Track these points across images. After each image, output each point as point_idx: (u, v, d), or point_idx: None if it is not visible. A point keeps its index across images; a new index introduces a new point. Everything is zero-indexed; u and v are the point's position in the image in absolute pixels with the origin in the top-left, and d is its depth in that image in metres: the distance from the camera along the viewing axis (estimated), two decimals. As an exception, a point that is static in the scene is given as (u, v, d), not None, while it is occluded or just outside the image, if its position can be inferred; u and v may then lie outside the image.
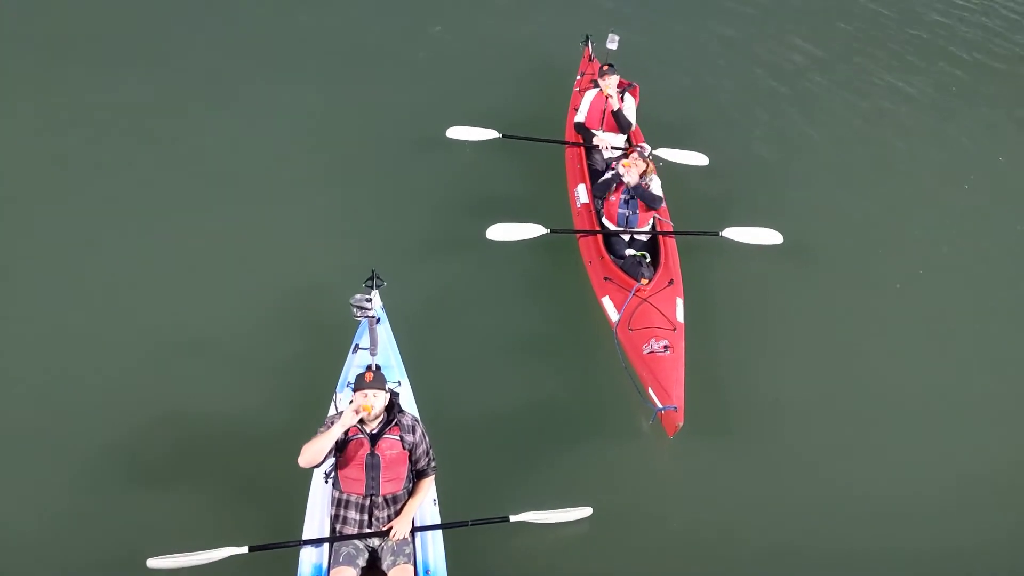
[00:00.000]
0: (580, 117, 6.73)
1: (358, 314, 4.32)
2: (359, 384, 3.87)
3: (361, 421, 3.85)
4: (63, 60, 7.74)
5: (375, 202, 6.49)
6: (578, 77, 7.48)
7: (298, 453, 3.79)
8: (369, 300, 4.32)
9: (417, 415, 4.23)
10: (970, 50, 9.25)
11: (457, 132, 6.81)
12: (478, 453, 4.75)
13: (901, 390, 5.39)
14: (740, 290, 6.02)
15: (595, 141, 6.61)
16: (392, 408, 3.95)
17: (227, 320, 5.40)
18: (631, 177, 5.85)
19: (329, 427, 3.82)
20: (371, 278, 4.50)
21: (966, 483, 4.89)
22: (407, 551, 3.84)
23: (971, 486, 4.88)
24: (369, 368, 3.95)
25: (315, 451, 3.77)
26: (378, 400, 3.86)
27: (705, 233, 6.06)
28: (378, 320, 4.48)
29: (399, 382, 4.54)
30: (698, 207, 6.52)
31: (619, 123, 6.59)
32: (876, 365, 5.57)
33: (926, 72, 8.79)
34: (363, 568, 3.82)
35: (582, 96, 6.83)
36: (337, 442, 3.81)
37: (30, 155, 6.65)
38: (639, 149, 6.06)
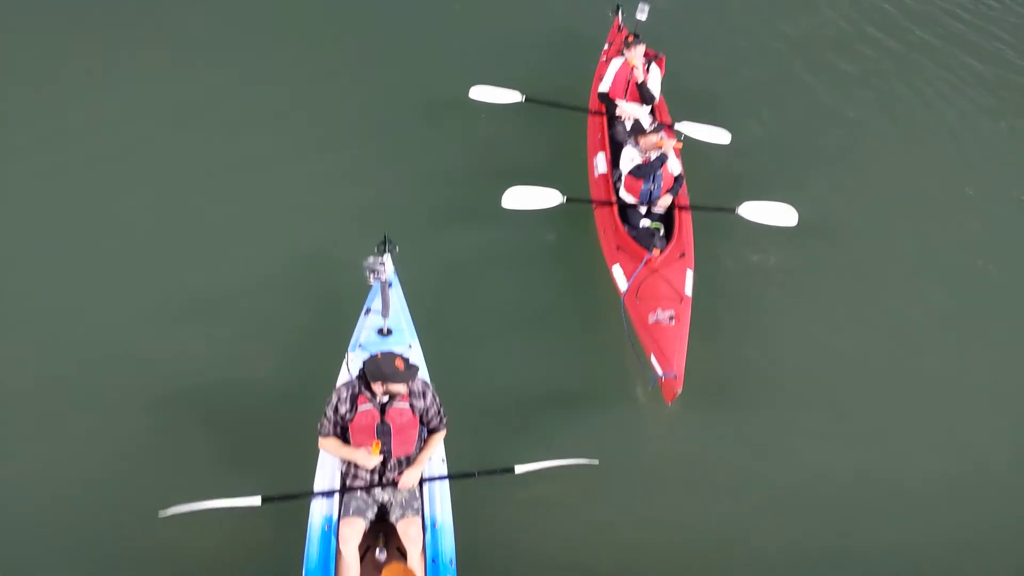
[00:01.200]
0: (604, 87, 6.70)
1: (370, 277, 4.43)
2: (381, 373, 3.83)
3: (372, 392, 3.94)
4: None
5: (391, 165, 6.57)
6: (606, 47, 7.43)
7: (312, 414, 4.00)
8: (382, 263, 4.41)
9: (427, 378, 4.37)
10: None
11: (480, 92, 6.82)
12: (485, 414, 4.91)
13: (907, 375, 5.42)
14: (751, 268, 6.05)
15: (617, 112, 6.60)
16: None
17: (242, 281, 5.57)
18: (676, 166, 5.86)
19: (338, 411, 3.96)
20: (383, 242, 4.57)
21: (970, 469, 4.94)
22: (415, 505, 3.99)
23: (976, 471, 4.93)
24: (398, 356, 3.87)
25: (331, 453, 4.06)
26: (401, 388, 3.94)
27: (721, 209, 6.05)
28: (390, 283, 4.58)
29: (410, 345, 4.67)
30: (717, 184, 6.51)
31: (643, 95, 6.56)
32: (884, 350, 5.58)
33: (967, 56, 8.51)
34: (372, 521, 3.97)
35: (608, 65, 6.79)
36: (346, 413, 3.96)
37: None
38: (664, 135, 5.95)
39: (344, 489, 4.03)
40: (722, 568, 4.44)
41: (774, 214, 6.07)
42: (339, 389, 4.02)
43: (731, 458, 4.91)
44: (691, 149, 6.45)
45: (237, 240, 5.87)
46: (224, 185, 6.26)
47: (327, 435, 4.03)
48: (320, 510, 4.00)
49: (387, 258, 4.51)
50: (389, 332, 4.69)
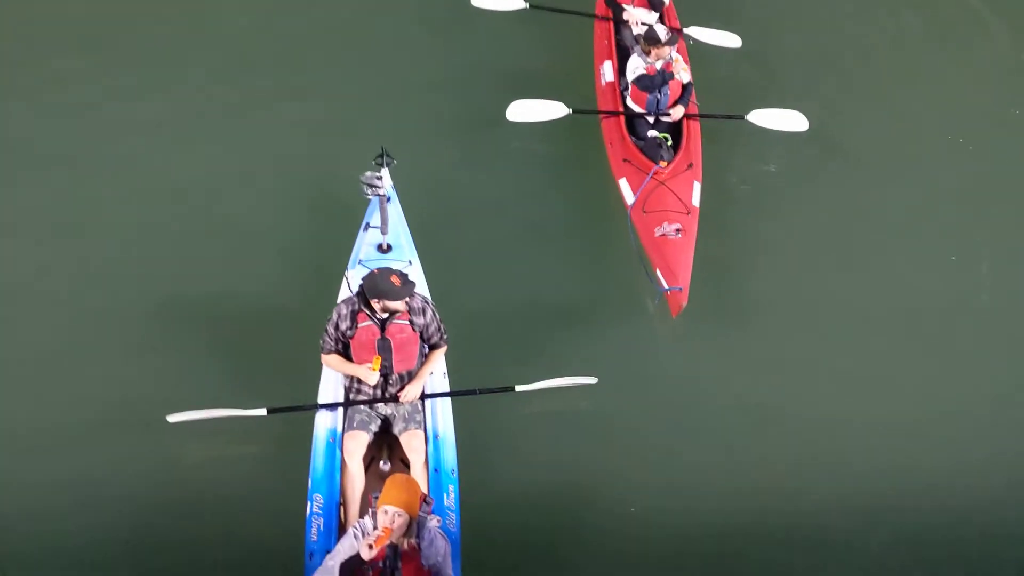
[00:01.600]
0: None
1: (368, 192, 4.35)
2: (377, 290, 3.80)
3: (371, 309, 3.92)
4: None
5: (388, 74, 6.35)
6: None
7: (315, 328, 4.04)
8: (379, 178, 4.34)
9: (428, 295, 4.35)
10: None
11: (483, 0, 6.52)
12: (488, 330, 4.90)
13: (918, 297, 5.29)
14: (760, 179, 5.91)
15: (625, 16, 6.31)
16: None
17: (241, 198, 5.51)
18: (685, 76, 5.66)
19: (339, 334, 3.97)
20: (381, 155, 4.48)
21: (967, 402, 4.85)
22: (418, 418, 4.04)
23: (973, 405, 4.84)
24: (394, 272, 3.85)
25: (334, 368, 4.10)
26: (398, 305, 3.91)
27: (730, 116, 5.86)
28: (388, 198, 4.50)
29: (409, 261, 4.63)
30: (726, 90, 6.26)
31: (651, 0, 6.27)
32: (893, 269, 5.45)
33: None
34: (376, 433, 4.04)
35: None
36: (346, 330, 3.97)
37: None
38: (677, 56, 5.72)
39: (348, 403, 4.08)
40: (715, 483, 4.48)
41: (784, 120, 5.88)
42: (339, 306, 4.01)
43: (731, 375, 4.89)
44: (699, 54, 6.22)
45: (235, 157, 5.76)
46: (220, 101, 6.10)
47: (329, 351, 4.05)
48: (324, 423, 4.07)
49: (385, 172, 4.43)
50: (389, 248, 4.64)
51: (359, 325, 3.94)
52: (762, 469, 4.56)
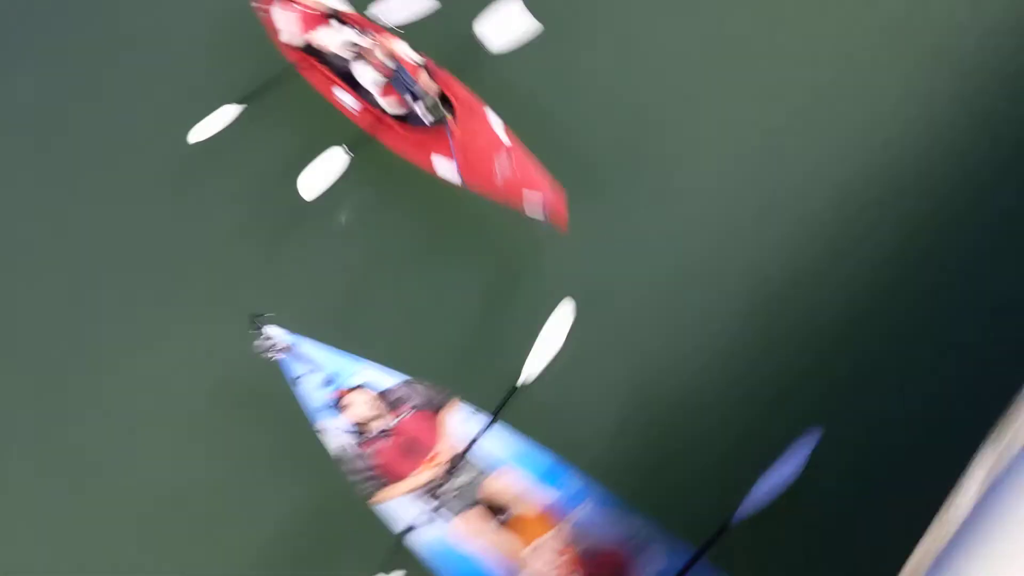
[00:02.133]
0: (288, 37, 6.24)
1: (272, 354, 4.31)
2: None
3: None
4: None
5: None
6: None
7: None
8: (268, 338, 4.30)
9: (402, 376, 4.47)
10: None
11: (200, 132, 6.07)
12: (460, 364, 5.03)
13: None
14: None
15: (317, 46, 6.22)
16: None
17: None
18: (413, 54, 5.74)
19: None
20: (253, 322, 4.43)
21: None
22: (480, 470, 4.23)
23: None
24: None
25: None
26: None
27: (466, 55, 5.95)
28: (292, 346, 4.46)
29: (355, 372, 4.59)
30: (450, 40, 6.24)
31: (326, 15, 6.22)
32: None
33: None
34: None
35: (272, 18, 6.32)
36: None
37: None
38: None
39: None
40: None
41: (512, 22, 5.96)
42: (346, 453, 4.06)
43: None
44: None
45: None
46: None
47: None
48: None
49: (268, 330, 4.38)
50: (330, 381, 4.58)
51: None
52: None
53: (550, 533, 3.29)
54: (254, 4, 6.80)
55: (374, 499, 4.10)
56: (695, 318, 5.06)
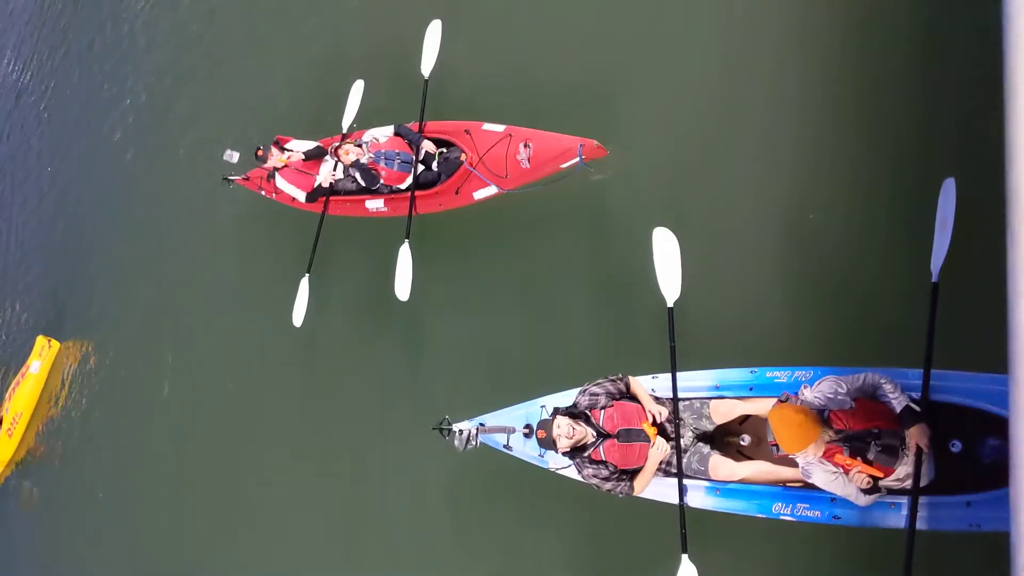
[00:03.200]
0: (304, 195, 6.63)
1: (467, 446, 4.64)
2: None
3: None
4: None
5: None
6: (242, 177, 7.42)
7: None
8: (460, 433, 4.63)
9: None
10: None
11: (298, 314, 6.62)
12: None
13: None
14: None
15: (326, 183, 6.51)
16: None
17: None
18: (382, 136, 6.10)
19: None
20: (440, 428, 4.77)
21: None
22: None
23: None
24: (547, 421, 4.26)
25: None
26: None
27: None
28: (480, 425, 4.76)
29: (543, 406, 4.76)
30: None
31: (308, 155, 6.55)
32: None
33: None
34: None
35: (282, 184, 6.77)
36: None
37: None
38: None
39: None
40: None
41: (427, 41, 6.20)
42: (586, 471, 4.25)
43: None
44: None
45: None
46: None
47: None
48: None
49: (457, 428, 4.73)
50: (529, 429, 4.82)
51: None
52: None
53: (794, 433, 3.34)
54: (232, 185, 7.35)
55: (634, 492, 4.26)
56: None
